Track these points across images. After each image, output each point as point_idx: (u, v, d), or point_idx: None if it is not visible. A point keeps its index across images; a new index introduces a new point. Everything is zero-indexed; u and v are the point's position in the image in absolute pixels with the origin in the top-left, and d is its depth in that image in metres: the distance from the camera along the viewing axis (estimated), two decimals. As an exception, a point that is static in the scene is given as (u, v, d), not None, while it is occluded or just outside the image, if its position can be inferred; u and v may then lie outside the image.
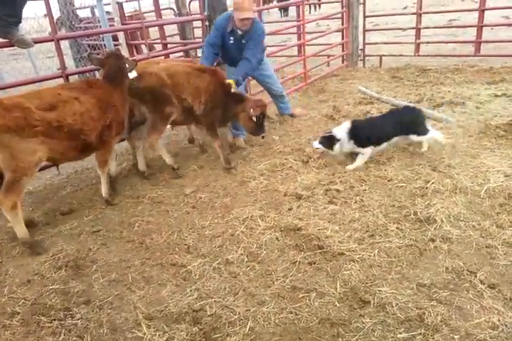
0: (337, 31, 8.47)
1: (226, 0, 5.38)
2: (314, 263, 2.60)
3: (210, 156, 4.49)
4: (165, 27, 8.09)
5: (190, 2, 10.49)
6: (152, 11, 8.72)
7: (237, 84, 4.12)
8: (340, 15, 8.24)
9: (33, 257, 2.92)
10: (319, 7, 20.32)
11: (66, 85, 3.48)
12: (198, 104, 3.97)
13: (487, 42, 7.50)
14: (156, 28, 8.18)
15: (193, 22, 9.24)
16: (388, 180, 3.51)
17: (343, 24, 8.12)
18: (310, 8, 19.46)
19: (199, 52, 7.89)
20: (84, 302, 2.44)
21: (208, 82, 4.00)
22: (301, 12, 7.41)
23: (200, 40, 5.67)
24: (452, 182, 3.33)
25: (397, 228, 2.88)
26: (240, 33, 4.30)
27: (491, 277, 2.34)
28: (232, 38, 4.33)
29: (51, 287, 2.58)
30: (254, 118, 4.14)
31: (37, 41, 3.84)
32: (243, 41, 4.32)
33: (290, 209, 3.24)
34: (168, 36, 8.88)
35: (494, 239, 2.65)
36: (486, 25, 7.34)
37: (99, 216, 3.45)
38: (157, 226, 3.20)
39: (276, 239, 2.87)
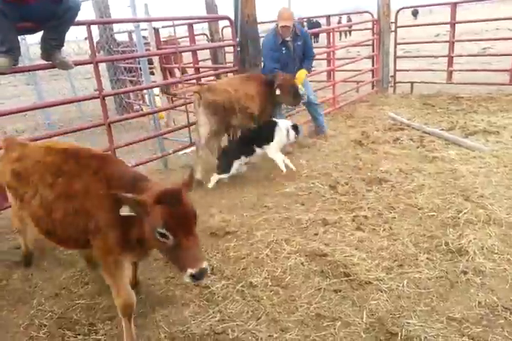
0: (367, 58, 8.55)
1: (258, 28, 5.56)
2: (340, 291, 2.54)
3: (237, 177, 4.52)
4: (198, 52, 8.38)
5: (223, 28, 10.90)
6: (186, 37, 9.08)
7: (309, 71, 5.22)
8: (370, 42, 8.33)
9: (62, 270, 2.98)
10: (350, 34, 20.61)
11: None
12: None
13: (523, 71, 7.34)
14: (190, 52, 8.49)
15: (225, 48, 9.56)
16: (419, 209, 3.44)
17: (373, 51, 8.20)
18: (340, 35, 19.79)
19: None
20: (108, 319, 2.46)
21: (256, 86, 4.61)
22: (331, 38, 7.54)
23: (231, 64, 5.84)
24: (486, 212, 3.22)
25: (427, 258, 2.79)
26: (289, 39, 4.97)
27: (528, 315, 2.22)
28: (284, 48, 4.98)
29: (78, 301, 2.63)
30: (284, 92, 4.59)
31: (77, 63, 4.06)
32: (297, 43, 5.06)
33: (316, 234, 3.20)
34: (201, 60, 9.19)
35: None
36: (521, 54, 7.23)
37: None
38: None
39: (301, 264, 2.83)
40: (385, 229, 3.19)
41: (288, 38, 4.96)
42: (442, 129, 5.32)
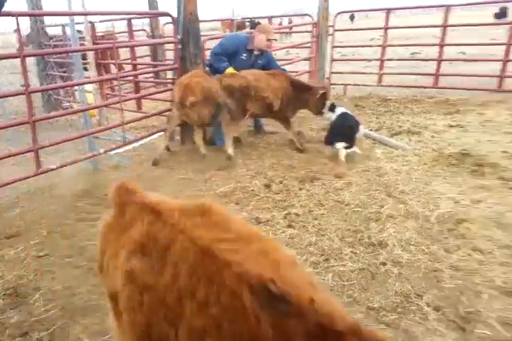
0: (305, 60, 8.80)
1: (199, 25, 5.53)
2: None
3: (172, 176, 4.49)
4: (137, 48, 8.17)
5: (164, 25, 10.69)
6: (125, 32, 8.81)
7: None
8: (309, 45, 8.58)
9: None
10: (290, 35, 21.03)
11: None
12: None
13: (445, 75, 7.97)
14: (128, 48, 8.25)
15: (166, 45, 9.38)
16: (345, 205, 3.61)
17: (311, 53, 8.46)
18: (281, 36, 20.10)
19: (169, 74, 8.01)
20: (20, 335, 2.28)
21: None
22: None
23: (172, 62, 5.75)
24: (405, 207, 3.46)
25: (351, 252, 2.94)
26: (256, 53, 5.23)
27: (436, 300, 2.41)
28: (245, 55, 5.20)
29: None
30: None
31: (2, 57, 3.80)
32: (259, 61, 5.31)
33: (249, 233, 3.25)
34: (139, 57, 8.95)
35: (441, 262, 2.75)
36: (444, 60, 7.83)
37: (46, 239, 3.29)
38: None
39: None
40: (314, 226, 3.31)
41: (255, 51, 5.23)
42: (371, 129, 5.63)
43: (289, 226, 3.34)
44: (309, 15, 9.01)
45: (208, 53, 5.63)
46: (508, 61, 7.03)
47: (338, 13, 8.76)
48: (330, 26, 8.37)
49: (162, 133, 5.49)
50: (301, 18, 17.17)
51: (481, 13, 27.13)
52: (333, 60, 8.56)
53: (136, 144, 5.55)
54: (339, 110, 4.92)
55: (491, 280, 2.51)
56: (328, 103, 5.05)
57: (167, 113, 5.63)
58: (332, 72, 8.52)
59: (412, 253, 2.88)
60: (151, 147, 5.61)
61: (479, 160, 4.25)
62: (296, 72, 8.41)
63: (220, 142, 5.31)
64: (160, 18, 10.27)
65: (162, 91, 6.08)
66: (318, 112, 5.20)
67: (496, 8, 24.55)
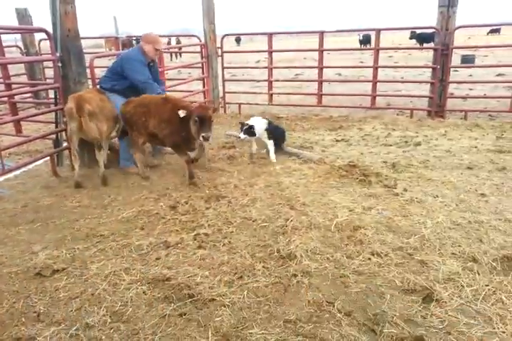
0: (198, 79, 8.91)
1: (81, 42, 5.24)
2: (185, 314, 2.50)
3: (65, 205, 4.09)
4: (10, 66, 7.36)
5: (40, 41, 9.88)
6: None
7: None
8: (200, 65, 8.71)
9: None
10: (180, 55, 21.10)
11: None
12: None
13: (326, 94, 8.75)
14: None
15: (44, 62, 8.65)
16: (253, 221, 3.68)
17: (203, 73, 8.59)
18: (171, 56, 20.07)
19: (51, 94, 7.37)
20: None
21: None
22: (161, 59, 7.62)
23: (52, 81, 5.31)
24: (307, 218, 3.66)
25: (263, 267, 2.98)
26: (151, 63, 5.21)
27: (346, 305, 2.55)
28: (147, 69, 5.10)
29: None
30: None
31: None
32: (154, 68, 5.30)
33: (158, 259, 3.10)
34: (14, 75, 8.10)
35: (346, 268, 2.94)
36: (324, 81, 8.62)
37: None
38: (-3, 293, 2.70)
39: (144, 292, 2.69)
40: (225, 244, 3.30)
41: (150, 62, 5.20)
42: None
43: (200, 247, 3.27)
44: (197, 37, 9.20)
45: (97, 71, 5.37)
46: (377, 82, 8.02)
47: (225, 36, 9.09)
48: (218, 48, 8.63)
49: (48, 158, 4.99)
50: (188, 38, 17.36)
51: (347, 39, 30.70)
52: (224, 80, 8.81)
53: (17, 172, 4.95)
54: (255, 121, 5.18)
55: (391, 281, 2.76)
56: (240, 125, 5.16)
57: (52, 135, 5.17)
58: (225, 92, 8.75)
59: (319, 262, 3.03)
60: (36, 174, 5.06)
61: (365, 170, 4.71)
62: (191, 91, 8.47)
63: (124, 163, 5.08)
64: (35, 34, 9.50)
65: (44, 113, 5.57)
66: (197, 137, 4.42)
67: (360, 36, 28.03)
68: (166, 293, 2.68)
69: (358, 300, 2.60)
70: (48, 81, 8.83)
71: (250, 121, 5.20)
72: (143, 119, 4.66)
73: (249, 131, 5.07)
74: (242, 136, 5.08)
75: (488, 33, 38.07)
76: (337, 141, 6.30)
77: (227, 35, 9.39)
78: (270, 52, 8.52)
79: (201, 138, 4.30)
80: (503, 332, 2.27)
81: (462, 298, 2.56)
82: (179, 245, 3.30)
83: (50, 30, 4.90)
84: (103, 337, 2.31)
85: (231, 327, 2.39)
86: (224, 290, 2.72)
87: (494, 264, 2.88)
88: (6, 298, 2.66)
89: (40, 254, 3.14)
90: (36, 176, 5.01)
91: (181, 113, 4.32)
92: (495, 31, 38.09)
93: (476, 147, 5.64)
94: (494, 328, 2.30)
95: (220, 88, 8.73)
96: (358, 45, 26.44)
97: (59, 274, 2.92)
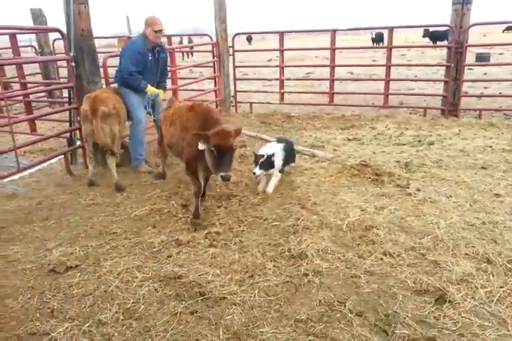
0: (209, 78, 8.94)
1: (94, 42, 5.29)
2: (196, 312, 2.51)
3: (78, 202, 4.14)
4: (25, 65, 7.48)
5: (54, 41, 10.00)
6: (9, 48, 8.02)
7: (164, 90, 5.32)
8: (211, 64, 8.73)
9: None
10: (192, 55, 21.18)
11: None
12: None
13: (338, 93, 8.71)
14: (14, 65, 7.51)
15: (58, 62, 8.76)
16: (264, 220, 3.67)
17: (214, 72, 8.61)
18: (183, 55, 20.17)
19: (65, 93, 7.47)
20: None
21: None
22: (173, 58, 7.63)
23: (66, 80, 5.39)
24: (319, 218, 3.64)
25: (274, 266, 2.98)
26: (157, 49, 4.98)
27: (357, 305, 2.54)
28: (150, 54, 4.93)
29: None
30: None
31: None
32: (162, 55, 5.10)
33: (169, 257, 3.12)
34: (29, 75, 8.22)
35: (357, 268, 2.93)
36: (336, 79, 8.56)
37: None
38: (12, 289, 2.75)
39: (155, 290, 2.72)
40: (236, 243, 3.31)
41: (157, 48, 4.99)
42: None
43: (211, 245, 3.29)
44: (208, 36, 9.21)
45: (111, 71, 5.40)
46: (390, 80, 7.94)
47: (236, 35, 9.09)
48: (229, 47, 8.63)
49: (62, 156, 5.06)
50: (199, 37, 17.40)
51: (360, 37, 30.46)
52: (236, 79, 8.81)
53: (32, 170, 5.03)
54: (271, 149, 4.24)
55: (403, 282, 2.74)
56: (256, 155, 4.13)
57: (66, 134, 5.24)
58: (237, 91, 8.75)
59: (330, 262, 3.02)
60: (51, 172, 5.14)
61: (377, 170, 4.67)
62: (203, 90, 8.49)
63: (136, 161, 5.13)
64: (50, 33, 9.62)
65: (58, 112, 5.65)
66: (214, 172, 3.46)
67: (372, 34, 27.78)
68: (177, 291, 2.69)
69: (370, 300, 2.58)
70: (62, 80, 8.93)
71: (266, 149, 4.20)
72: (167, 124, 4.22)
73: (268, 162, 4.07)
74: (258, 171, 4.01)
75: (504, 31, 37.37)
76: (349, 140, 6.26)
77: (239, 34, 9.39)
78: (281, 51, 8.49)
79: (219, 179, 3.32)
80: (518, 335, 2.24)
81: (476, 299, 2.52)
82: (190, 243, 3.31)
83: (64, 30, 4.97)
84: (115, 334, 2.34)
85: (242, 325, 2.40)
86: (235, 288, 2.72)
87: (509, 266, 2.83)
88: (21, 293, 2.71)
89: (54, 251, 3.20)
90: (50, 174, 5.08)
91: (200, 146, 3.40)
92: (511, 28, 37.37)
93: (490, 146, 5.55)
94: (509, 330, 2.26)
95: (232, 87, 8.74)
96: (370, 44, 26.21)
97: (72, 271, 2.96)
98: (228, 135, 3.32)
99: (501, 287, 2.61)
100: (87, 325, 2.40)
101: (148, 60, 4.91)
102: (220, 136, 3.28)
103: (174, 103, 4.54)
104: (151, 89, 4.88)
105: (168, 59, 5.66)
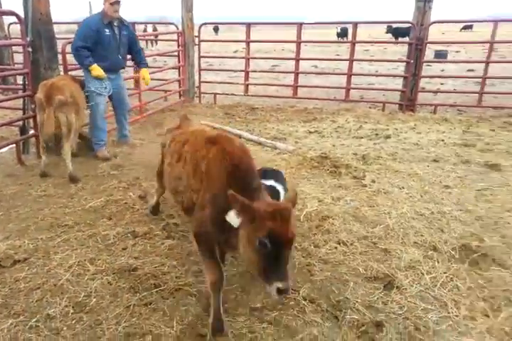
0: (174, 68, 8.77)
1: (53, 27, 5.07)
2: (150, 304, 2.49)
3: (29, 194, 3.98)
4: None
5: (9, 25, 9.49)
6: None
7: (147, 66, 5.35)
8: (176, 53, 8.56)
9: None
10: (156, 43, 20.70)
11: None
12: None
13: (302, 86, 8.77)
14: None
15: (13, 47, 8.35)
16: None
17: (179, 62, 8.44)
18: (147, 43, 19.67)
19: (19, 80, 7.11)
20: None
21: None
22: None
23: (21, 66, 5.14)
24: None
25: (231, 256, 2.99)
26: (115, 24, 4.85)
27: (311, 293, 2.60)
28: (107, 30, 4.78)
29: None
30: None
31: None
32: (123, 32, 4.96)
33: (124, 249, 3.07)
34: (-21, 60, 7.76)
35: (312, 257, 2.99)
36: (300, 72, 8.62)
37: None
38: (-47, 285, 2.62)
39: (109, 283, 2.67)
40: (194, 234, 3.29)
41: (115, 23, 4.85)
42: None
43: (168, 237, 3.26)
44: (174, 25, 9.01)
45: (70, 57, 5.21)
46: (352, 75, 8.08)
47: (203, 24, 8.95)
48: (195, 36, 8.49)
49: (13, 145, 4.83)
50: (165, 26, 16.99)
51: (327, 32, 30.79)
52: (201, 70, 8.70)
53: (-20, 160, 4.78)
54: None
55: (355, 269, 2.83)
56: None
57: (19, 122, 5.01)
58: (201, 81, 8.64)
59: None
60: (1, 161, 4.90)
61: (335, 162, 4.77)
62: (166, 80, 8.32)
63: (97, 146, 5.01)
64: (4, 17, 9.12)
65: (11, 99, 5.38)
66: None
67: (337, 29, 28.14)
68: (131, 283, 2.66)
69: (323, 287, 2.66)
70: (16, 66, 8.50)
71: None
72: (172, 154, 2.77)
73: None
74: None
75: (461, 29, 38.89)
76: (310, 132, 6.34)
77: (206, 23, 9.23)
78: (248, 43, 8.44)
79: (273, 293, 1.84)
80: (456, 316, 2.37)
81: (421, 284, 2.65)
82: (147, 235, 3.27)
83: (21, 13, 4.71)
84: (64, 328, 2.28)
85: (196, 316, 2.40)
86: (191, 279, 2.72)
87: (453, 253, 2.99)
88: (-37, 289, 2.58)
89: (0, 244, 3.06)
90: (0, 164, 4.84)
91: (232, 218, 1.99)
92: (468, 27, 38.93)
93: (443, 140, 5.79)
94: (449, 312, 2.40)
95: (196, 77, 8.62)
96: (335, 38, 26.55)
97: (20, 264, 2.85)
98: (289, 215, 1.88)
99: (445, 272, 2.76)
100: (34, 320, 2.33)
101: (104, 36, 4.78)
102: (279, 218, 1.85)
103: (187, 123, 3.21)
104: (95, 69, 4.70)
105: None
